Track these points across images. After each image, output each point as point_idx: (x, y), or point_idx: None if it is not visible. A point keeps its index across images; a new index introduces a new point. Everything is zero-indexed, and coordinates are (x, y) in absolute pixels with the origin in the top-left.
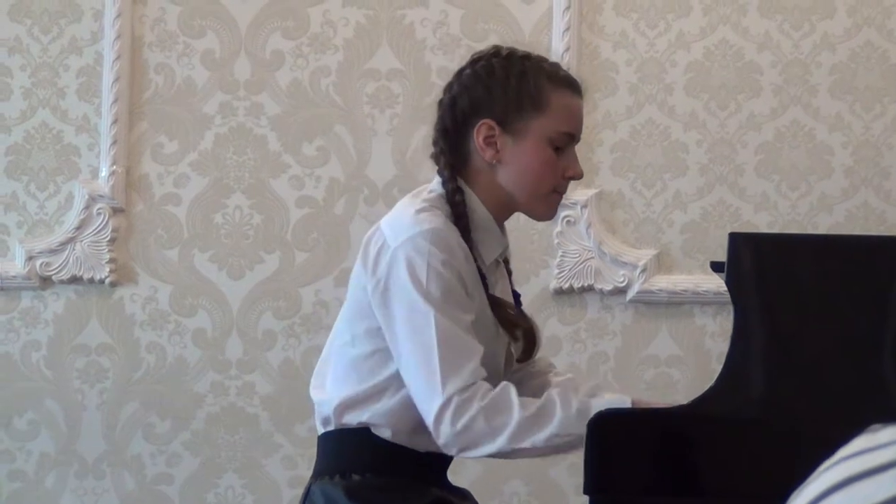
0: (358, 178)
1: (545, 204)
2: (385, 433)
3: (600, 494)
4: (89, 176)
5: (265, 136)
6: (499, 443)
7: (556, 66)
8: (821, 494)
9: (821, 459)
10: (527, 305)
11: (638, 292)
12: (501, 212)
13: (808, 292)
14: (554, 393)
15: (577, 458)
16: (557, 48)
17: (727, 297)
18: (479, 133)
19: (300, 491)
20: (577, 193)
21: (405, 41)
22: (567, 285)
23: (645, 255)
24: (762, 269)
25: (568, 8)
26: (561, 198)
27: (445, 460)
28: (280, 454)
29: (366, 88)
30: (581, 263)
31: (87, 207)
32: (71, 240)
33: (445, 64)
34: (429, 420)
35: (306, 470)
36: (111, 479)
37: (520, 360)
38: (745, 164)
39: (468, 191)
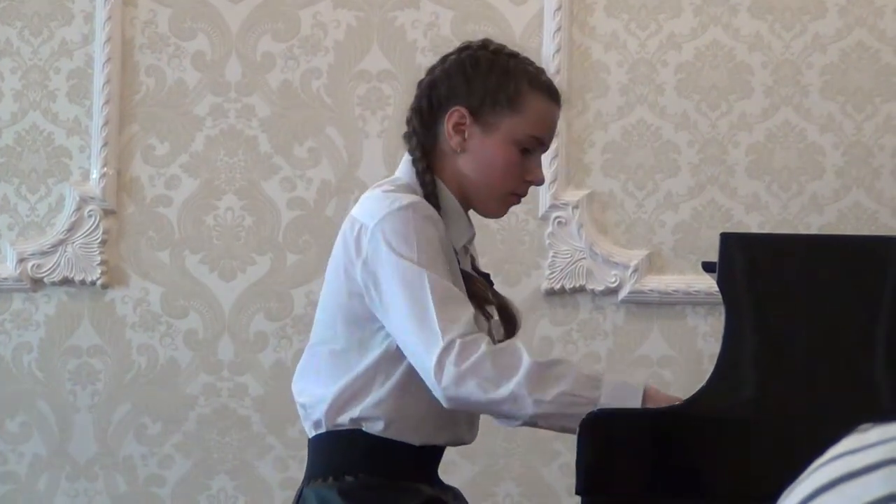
0: (349, 179)
1: (498, 204)
2: (377, 426)
3: (592, 495)
4: (80, 178)
5: (256, 137)
6: (505, 389)
7: (540, 70)
8: (811, 494)
9: (811, 459)
10: (518, 306)
11: (630, 293)
12: (463, 200)
13: (799, 292)
14: (563, 358)
15: (570, 459)
16: (548, 49)
17: (719, 297)
18: (451, 118)
19: (292, 492)
20: (567, 194)
21: (396, 43)
22: (558, 286)
23: (636, 255)
24: (754, 269)
25: (559, 9)
26: (518, 201)
27: (438, 455)
28: (272, 455)
29: (357, 90)
30: (572, 264)
31: (78, 209)
32: (62, 242)
33: None
34: (429, 368)
35: (298, 471)
36: (103, 480)
37: (502, 341)
38: (736, 165)
39: (437, 179)
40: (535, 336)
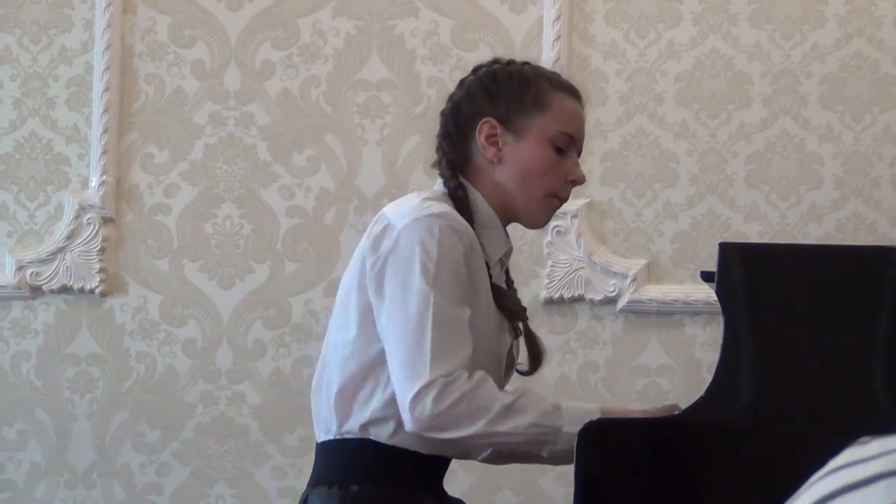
0: (348, 187)
1: (542, 208)
2: (386, 430)
3: None
4: (79, 186)
5: (255, 145)
6: (475, 427)
7: (556, 73)
8: None
9: (810, 470)
10: None
11: (628, 302)
12: (503, 213)
13: (798, 302)
14: (527, 389)
15: (567, 469)
16: (548, 58)
17: (717, 306)
18: (482, 131)
19: (290, 501)
20: (566, 203)
21: (395, 51)
22: (557, 295)
23: (635, 264)
24: (752, 278)
25: (558, 18)
26: (560, 204)
27: (444, 464)
28: (270, 464)
29: (356, 98)
30: (571, 273)
31: (77, 217)
32: (61, 249)
33: (435, 74)
34: (405, 396)
35: (296, 480)
36: (101, 489)
37: (526, 373)
38: (735, 174)
39: (471, 188)
40: None
